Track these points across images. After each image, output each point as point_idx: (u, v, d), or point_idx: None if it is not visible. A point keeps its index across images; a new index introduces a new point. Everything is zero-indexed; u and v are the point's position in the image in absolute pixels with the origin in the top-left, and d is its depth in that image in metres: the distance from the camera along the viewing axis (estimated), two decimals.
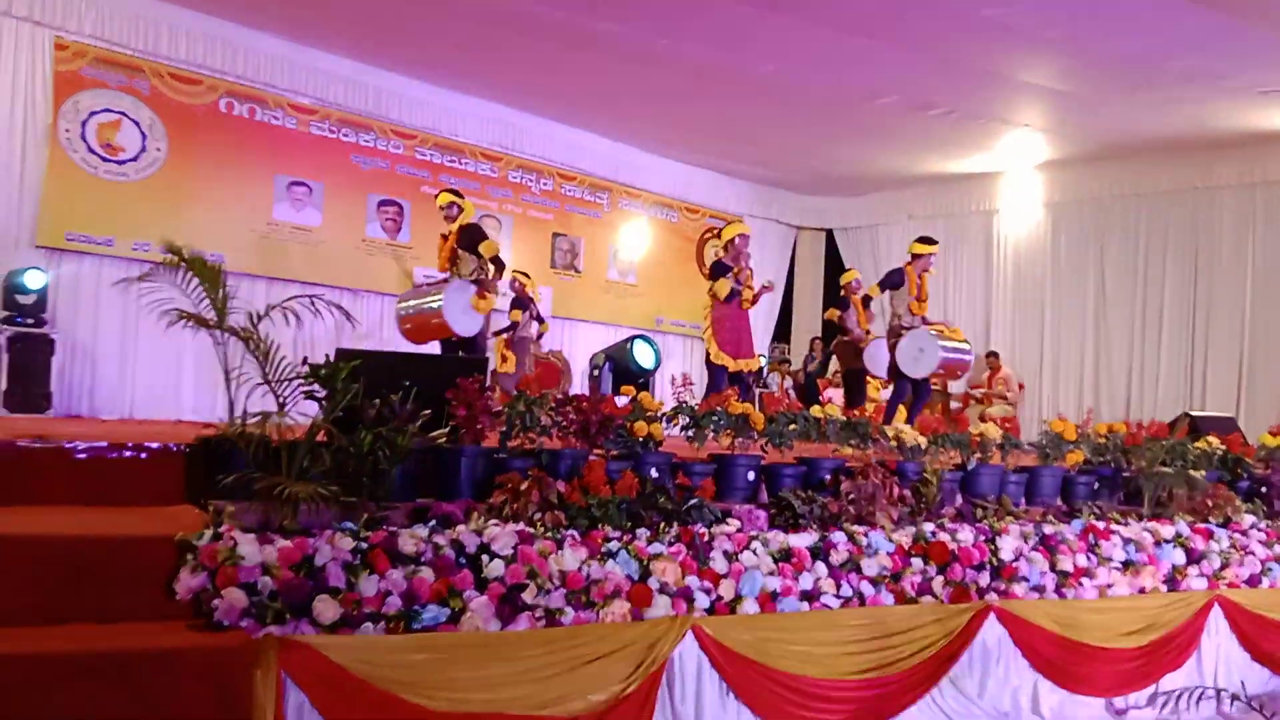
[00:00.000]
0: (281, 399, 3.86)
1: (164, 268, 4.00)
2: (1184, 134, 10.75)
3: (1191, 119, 10.26)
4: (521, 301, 9.97)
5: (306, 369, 3.89)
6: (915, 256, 8.29)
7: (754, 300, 8.17)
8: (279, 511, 3.49)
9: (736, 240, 8.14)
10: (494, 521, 3.85)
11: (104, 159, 8.99)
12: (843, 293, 9.99)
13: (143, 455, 4.02)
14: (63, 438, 4.08)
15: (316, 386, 3.86)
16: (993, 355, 12.50)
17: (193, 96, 9.51)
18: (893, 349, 8.17)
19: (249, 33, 9.75)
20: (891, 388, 8.72)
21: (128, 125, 9.13)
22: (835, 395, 11.65)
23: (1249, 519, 5.93)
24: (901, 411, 8.15)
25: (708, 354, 8.07)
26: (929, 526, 4.81)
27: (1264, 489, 6.43)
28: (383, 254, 10.76)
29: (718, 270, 8.12)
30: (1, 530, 3.27)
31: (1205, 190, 11.48)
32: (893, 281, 8.32)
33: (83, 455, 3.95)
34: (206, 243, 8.30)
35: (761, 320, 14.63)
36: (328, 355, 3.99)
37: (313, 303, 4.27)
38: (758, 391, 9.08)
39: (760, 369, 8.07)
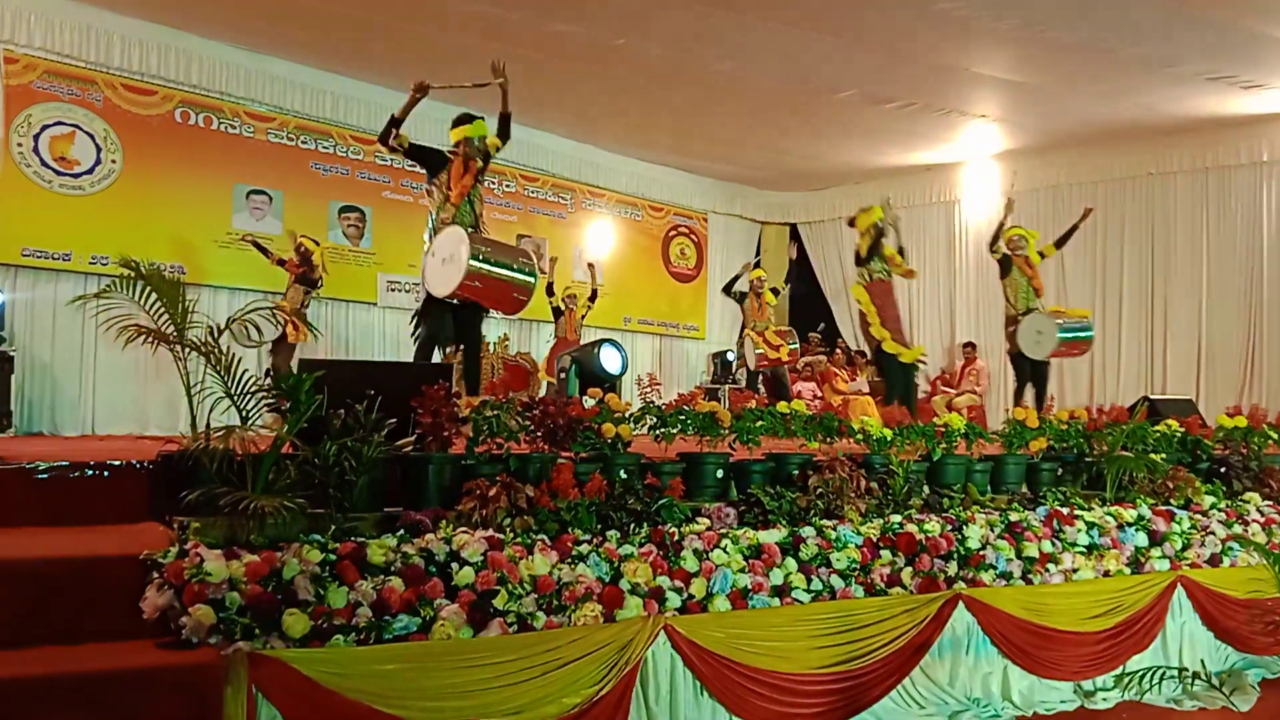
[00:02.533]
0: (245, 412, 3.83)
1: (121, 283, 3.95)
2: (1136, 121, 10.92)
3: (1143, 106, 10.43)
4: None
5: (270, 381, 3.87)
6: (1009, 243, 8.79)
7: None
8: (245, 526, 3.47)
9: (871, 229, 8.11)
10: (463, 529, 3.85)
11: (58, 172, 8.90)
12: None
13: (105, 473, 3.97)
14: (23, 458, 4.03)
15: (280, 398, 3.83)
16: (969, 346, 12.64)
17: (147, 107, 9.42)
18: (1011, 335, 8.60)
19: (203, 42, 9.66)
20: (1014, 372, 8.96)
21: (81, 138, 9.04)
22: (805, 389, 11.75)
23: (1209, 499, 6.03)
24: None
25: (879, 344, 7.98)
26: (896, 518, 4.86)
27: (1223, 469, 6.54)
28: (345, 261, 10.70)
29: (873, 247, 8.09)
30: None
31: (1159, 176, 11.68)
32: (1004, 269, 8.76)
33: (44, 475, 3.89)
34: (165, 254, 8.27)
35: (728, 316, 14.72)
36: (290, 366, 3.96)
37: (274, 314, 4.24)
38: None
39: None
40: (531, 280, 6.07)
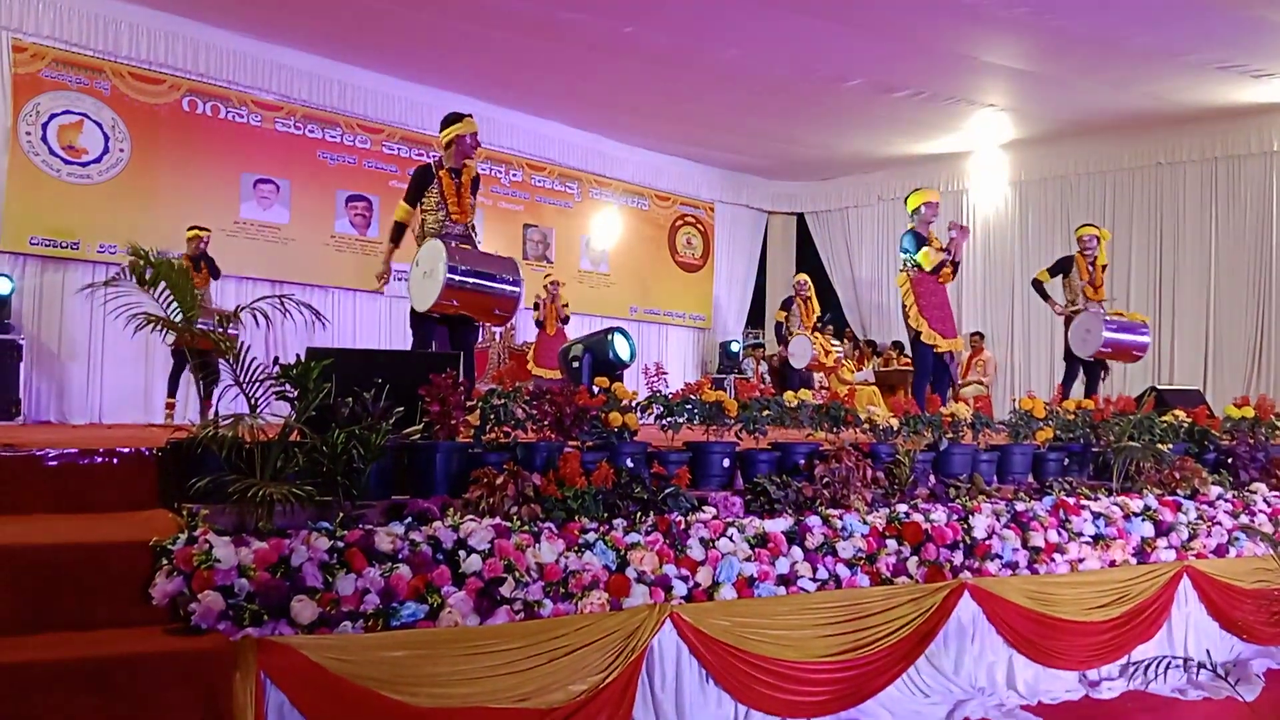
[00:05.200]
0: (253, 400, 3.84)
1: (130, 271, 3.97)
2: (1145, 111, 10.87)
3: (1152, 96, 10.38)
4: None
5: (278, 369, 3.88)
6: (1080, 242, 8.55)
7: (953, 272, 7.90)
8: (254, 513, 3.48)
9: (923, 209, 7.76)
10: (470, 517, 3.86)
11: (66, 161, 8.92)
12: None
13: (114, 460, 3.99)
14: (33, 445, 4.05)
15: (288, 387, 3.85)
16: (977, 336, 12.63)
17: (155, 96, 9.43)
18: (1067, 332, 8.45)
19: (210, 30, 9.67)
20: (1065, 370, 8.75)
21: (90, 126, 9.06)
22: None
23: (1215, 490, 6.02)
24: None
25: (917, 334, 7.71)
26: (902, 507, 4.86)
27: (1230, 460, 6.52)
28: (352, 250, 10.71)
29: (915, 240, 7.73)
30: None
31: (1168, 166, 11.64)
32: (1062, 267, 8.59)
33: (54, 463, 3.91)
34: (173, 243, 8.28)
35: (735, 305, 14.72)
36: (298, 355, 3.97)
37: (282, 303, 4.25)
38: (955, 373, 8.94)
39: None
40: (515, 292, 5.85)
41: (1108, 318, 8.20)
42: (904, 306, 7.85)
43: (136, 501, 3.93)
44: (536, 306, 10.85)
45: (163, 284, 3.89)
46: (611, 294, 13.13)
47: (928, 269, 7.62)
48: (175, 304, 3.90)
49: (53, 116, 8.86)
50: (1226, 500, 5.94)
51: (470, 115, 6.01)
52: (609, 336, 9.32)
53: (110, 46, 9.15)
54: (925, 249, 7.65)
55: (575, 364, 9.01)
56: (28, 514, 3.75)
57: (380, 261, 6.10)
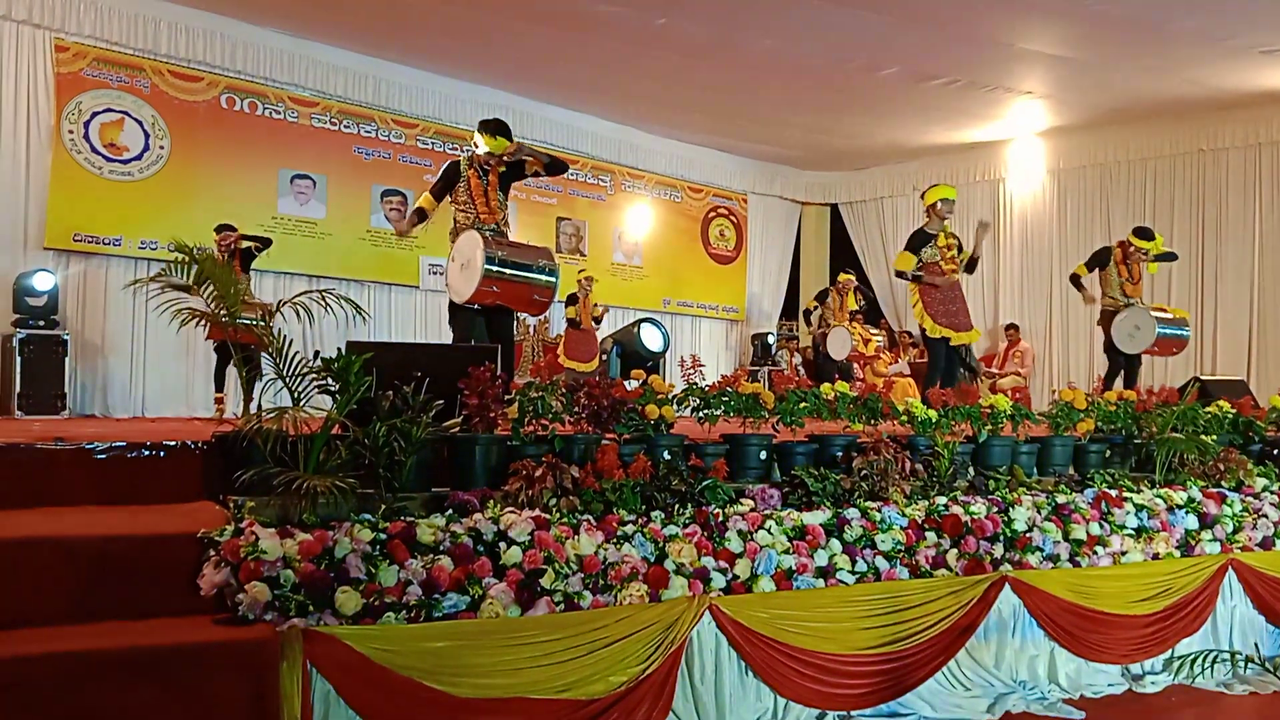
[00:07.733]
0: (296, 394, 3.89)
1: (175, 267, 4.02)
2: (1187, 96, 10.69)
3: (1194, 81, 10.20)
4: None
5: (320, 363, 3.92)
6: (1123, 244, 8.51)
7: (971, 264, 7.83)
8: (298, 505, 3.52)
9: (939, 205, 7.70)
10: (510, 509, 3.89)
11: (108, 159, 9.06)
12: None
13: (161, 453, 4.05)
14: (81, 438, 4.12)
15: (330, 380, 3.89)
16: (1012, 328, 12.52)
17: (194, 93, 9.55)
18: (1105, 328, 8.38)
19: (247, 28, 9.78)
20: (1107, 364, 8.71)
21: (130, 124, 9.20)
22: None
23: (1261, 482, 5.92)
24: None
25: (923, 330, 7.74)
26: (942, 500, 4.84)
27: (1275, 452, 6.42)
28: (388, 244, 10.79)
29: (915, 241, 7.71)
30: (29, 532, 3.31)
31: (1210, 152, 11.44)
32: (1099, 260, 8.54)
33: (102, 455, 3.98)
34: (212, 239, 8.38)
35: (769, 297, 14.67)
36: (338, 349, 4.01)
37: (323, 297, 4.29)
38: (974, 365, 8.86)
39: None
40: (552, 280, 5.87)
41: (1156, 315, 8.12)
42: (912, 303, 7.88)
43: (183, 494, 3.99)
44: (570, 302, 10.85)
45: (207, 280, 3.95)
46: (644, 286, 13.12)
47: (902, 268, 7.69)
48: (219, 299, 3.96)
49: (94, 115, 8.99)
50: (1272, 492, 5.85)
51: (500, 135, 5.88)
52: (636, 327, 9.33)
53: (150, 45, 9.28)
54: (904, 252, 7.70)
55: (604, 357, 9.05)
56: (78, 505, 3.82)
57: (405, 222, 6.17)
